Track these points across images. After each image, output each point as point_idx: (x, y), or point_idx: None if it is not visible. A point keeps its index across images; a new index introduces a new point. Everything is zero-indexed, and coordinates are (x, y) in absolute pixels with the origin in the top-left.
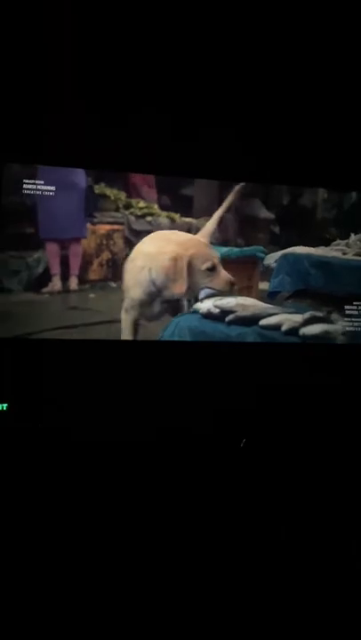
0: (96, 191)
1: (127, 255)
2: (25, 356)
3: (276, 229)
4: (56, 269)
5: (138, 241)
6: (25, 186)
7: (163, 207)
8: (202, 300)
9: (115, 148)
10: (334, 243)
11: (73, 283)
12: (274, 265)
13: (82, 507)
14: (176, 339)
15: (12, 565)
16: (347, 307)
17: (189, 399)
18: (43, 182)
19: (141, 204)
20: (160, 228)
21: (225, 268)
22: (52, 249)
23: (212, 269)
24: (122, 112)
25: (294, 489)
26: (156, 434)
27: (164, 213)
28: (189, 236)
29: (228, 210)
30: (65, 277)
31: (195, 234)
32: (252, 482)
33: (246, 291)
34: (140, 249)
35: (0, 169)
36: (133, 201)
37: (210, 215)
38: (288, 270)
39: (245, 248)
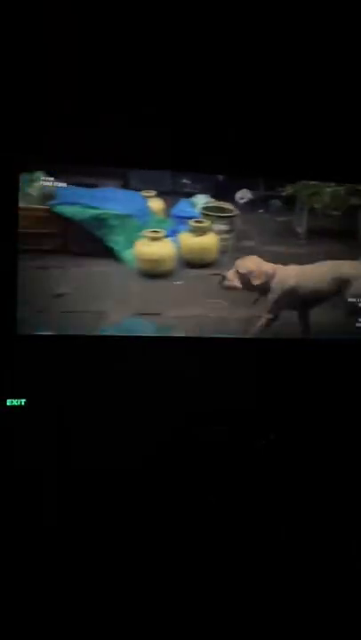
0: None
1: None
2: (44, 351)
3: None
4: None
5: None
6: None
7: None
8: None
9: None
10: None
11: None
12: None
13: (88, 501)
14: None
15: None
16: None
17: (188, 397)
18: None
19: None
20: None
21: None
22: None
23: None
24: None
25: (294, 489)
26: (156, 433)
27: None
28: None
29: None
30: None
31: None
32: (252, 482)
33: None
34: None
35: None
36: None
37: None
38: None
39: None
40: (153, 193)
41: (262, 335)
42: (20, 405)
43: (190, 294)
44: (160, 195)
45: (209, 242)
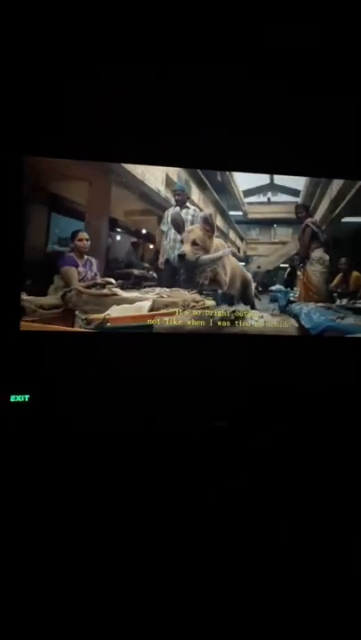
0: None
1: None
2: (46, 348)
3: None
4: None
5: None
6: None
7: None
8: None
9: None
10: None
11: None
12: None
13: (91, 495)
14: None
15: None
16: None
17: (189, 395)
18: None
19: None
20: None
21: None
22: None
23: None
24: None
25: (295, 489)
26: (156, 432)
27: None
28: None
29: None
30: None
31: None
32: (253, 481)
33: None
34: None
35: (20, 162)
36: None
37: None
38: None
39: None
40: None
41: None
42: (24, 401)
43: None
44: None
45: None
